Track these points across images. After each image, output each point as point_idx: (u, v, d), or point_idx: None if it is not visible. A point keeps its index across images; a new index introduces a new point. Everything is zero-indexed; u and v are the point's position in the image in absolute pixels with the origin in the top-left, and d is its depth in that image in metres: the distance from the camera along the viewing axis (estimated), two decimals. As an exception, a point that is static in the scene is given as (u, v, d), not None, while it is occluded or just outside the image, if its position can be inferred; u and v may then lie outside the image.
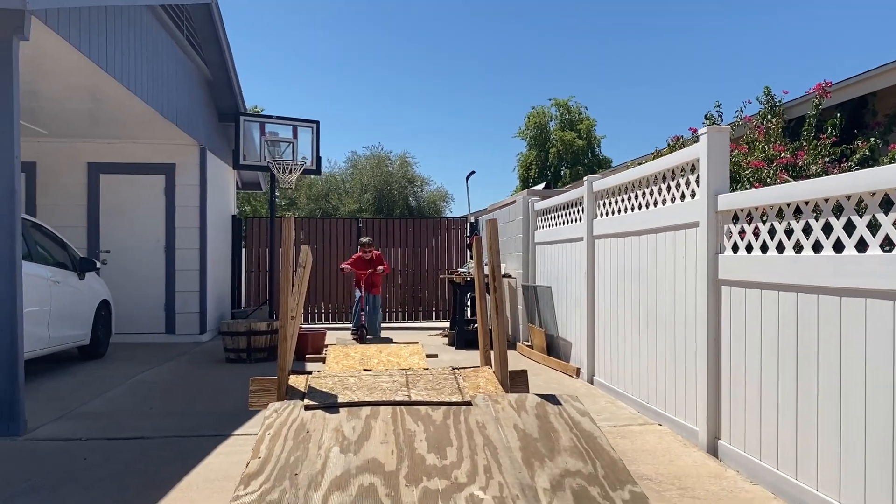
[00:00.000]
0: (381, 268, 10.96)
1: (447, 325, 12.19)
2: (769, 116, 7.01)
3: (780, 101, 7.07)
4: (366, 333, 10.51)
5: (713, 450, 4.58)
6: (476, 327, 9.80)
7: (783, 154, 6.31)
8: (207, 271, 10.67)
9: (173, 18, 8.90)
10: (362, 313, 10.55)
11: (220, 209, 11.79)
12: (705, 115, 7.41)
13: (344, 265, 11.06)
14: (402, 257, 13.90)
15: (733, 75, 53.08)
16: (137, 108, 8.19)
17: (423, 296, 14.06)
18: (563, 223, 8.24)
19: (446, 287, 13.43)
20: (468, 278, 10.35)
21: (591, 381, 7.11)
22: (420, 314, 14.04)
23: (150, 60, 8.09)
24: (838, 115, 6.57)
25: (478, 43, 59.09)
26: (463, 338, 9.97)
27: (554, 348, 8.58)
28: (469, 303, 10.68)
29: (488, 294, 4.38)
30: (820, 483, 3.51)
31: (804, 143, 6.49)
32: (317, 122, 11.72)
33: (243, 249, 13.49)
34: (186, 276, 10.55)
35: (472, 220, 13.88)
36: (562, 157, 35.39)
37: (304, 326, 10.95)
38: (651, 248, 5.66)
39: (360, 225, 13.87)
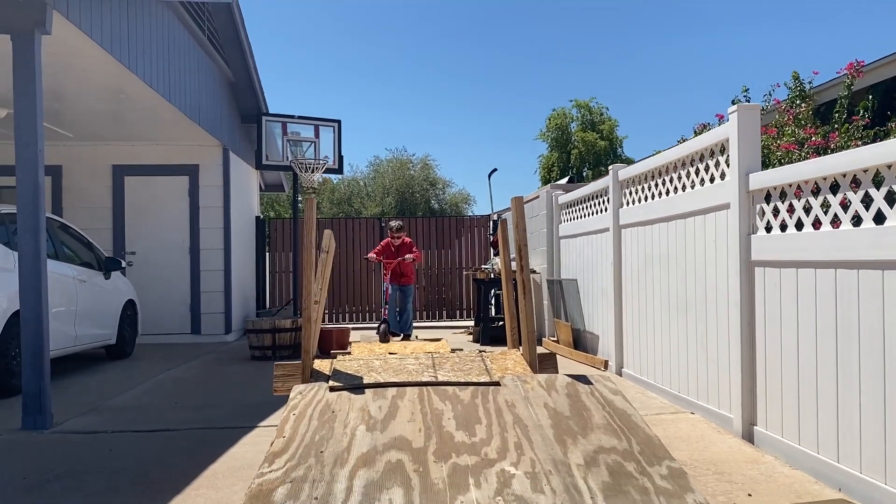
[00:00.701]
0: (409, 256, 9.13)
1: (471, 323, 12.09)
2: (798, 101, 6.85)
3: (809, 83, 6.91)
4: (388, 329, 8.75)
5: (749, 436, 4.44)
6: (501, 324, 9.70)
7: (814, 137, 6.16)
8: (232, 271, 10.68)
9: (195, 18, 8.94)
10: (388, 308, 9.24)
11: (243, 210, 11.81)
12: (732, 101, 7.25)
13: (371, 254, 9.40)
14: (425, 257, 13.80)
15: (758, 78, 52.43)
16: (160, 107, 8.22)
17: (446, 296, 13.98)
18: (588, 215, 8.12)
19: (470, 286, 13.35)
20: (492, 275, 10.27)
21: (619, 373, 6.98)
22: (444, 314, 13.96)
23: (172, 59, 8.11)
24: (870, 97, 6.40)
25: (499, 45, 59.06)
26: (488, 334, 9.88)
27: (580, 342, 8.45)
28: (493, 300, 10.59)
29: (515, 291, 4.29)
30: (864, 465, 3.37)
31: (835, 126, 6.33)
32: (338, 122, 11.74)
33: (267, 251, 13.51)
34: (211, 277, 10.57)
35: (495, 218, 13.79)
36: (584, 159, 35.07)
37: (328, 326, 10.92)
38: (680, 233, 5.53)
39: (384, 225, 13.79)
